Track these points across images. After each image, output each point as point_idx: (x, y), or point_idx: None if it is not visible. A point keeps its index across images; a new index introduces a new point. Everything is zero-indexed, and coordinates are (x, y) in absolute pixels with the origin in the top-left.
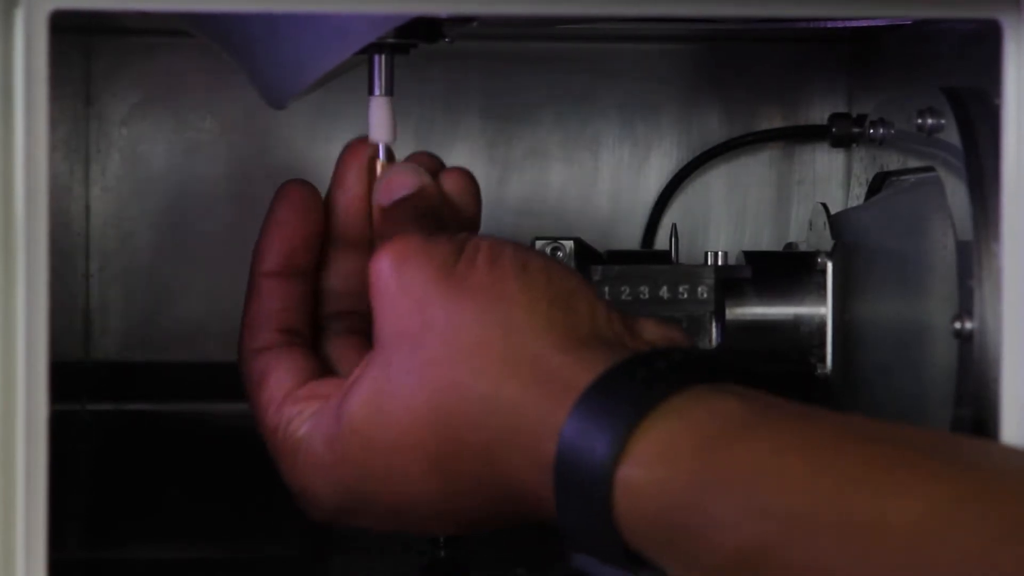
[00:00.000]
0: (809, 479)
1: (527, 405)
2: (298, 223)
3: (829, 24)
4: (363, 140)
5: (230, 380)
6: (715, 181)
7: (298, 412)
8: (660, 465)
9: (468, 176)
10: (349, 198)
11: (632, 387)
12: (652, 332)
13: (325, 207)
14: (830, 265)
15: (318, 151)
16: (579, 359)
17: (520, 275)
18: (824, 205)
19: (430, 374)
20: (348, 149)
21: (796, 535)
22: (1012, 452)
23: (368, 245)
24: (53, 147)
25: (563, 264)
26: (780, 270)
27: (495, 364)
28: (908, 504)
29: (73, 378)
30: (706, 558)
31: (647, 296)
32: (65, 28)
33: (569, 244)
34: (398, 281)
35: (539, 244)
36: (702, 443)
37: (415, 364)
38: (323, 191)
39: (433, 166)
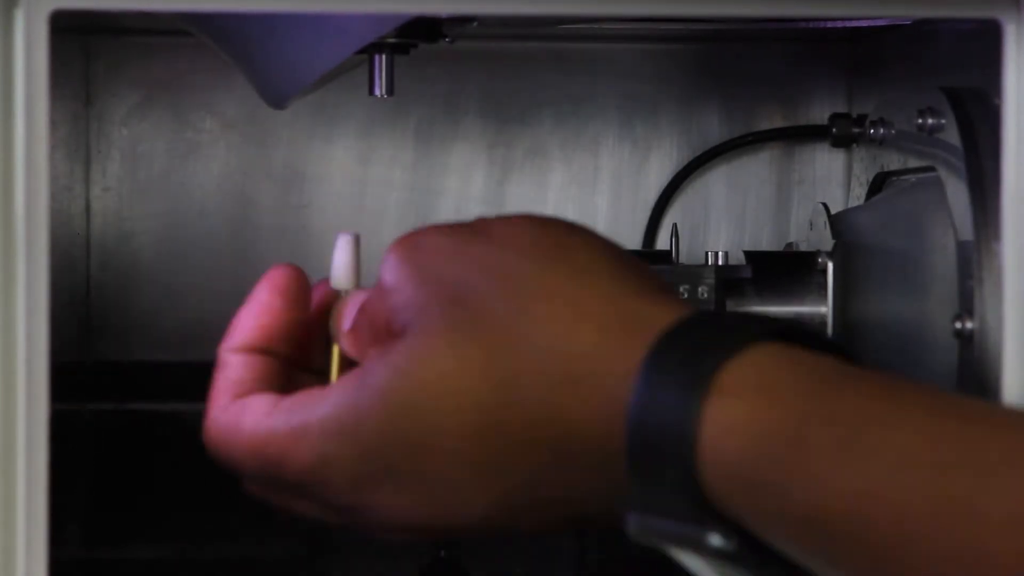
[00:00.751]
0: (927, 419)
1: (600, 348)
2: (280, 308)
3: (829, 24)
4: (326, 282)
5: None
6: (715, 181)
7: (293, 406)
8: (753, 399)
9: None
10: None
11: (720, 329)
12: None
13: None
14: (830, 265)
15: (318, 151)
16: (657, 303)
17: (573, 233)
18: (824, 205)
19: (483, 332)
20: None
21: (916, 477)
22: None
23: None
24: (53, 147)
25: None
26: (780, 270)
27: (563, 310)
28: None
29: (73, 378)
30: (800, 505)
31: None
32: (65, 28)
33: None
34: (421, 255)
35: None
36: (799, 381)
37: (461, 324)
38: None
39: None
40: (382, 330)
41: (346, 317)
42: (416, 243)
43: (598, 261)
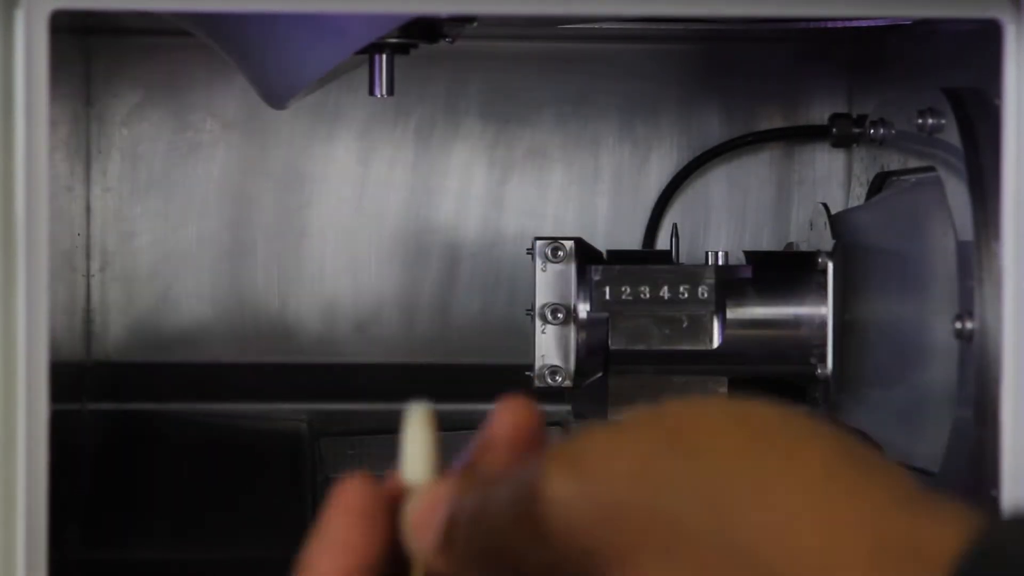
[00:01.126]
0: None
1: None
2: (361, 540)
3: (829, 24)
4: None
5: (230, 380)
6: (715, 181)
7: None
8: None
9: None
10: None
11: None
12: None
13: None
14: (831, 265)
15: (318, 151)
16: (924, 518)
17: (786, 425)
18: (825, 205)
19: None
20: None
21: None
22: None
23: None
24: (54, 147)
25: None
26: (781, 270)
27: (805, 541)
28: None
29: (73, 378)
30: None
31: (648, 296)
32: (65, 28)
33: (569, 244)
34: (599, 486)
35: (539, 244)
36: None
37: None
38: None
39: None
40: (536, 569)
41: (432, 524)
42: (588, 470)
43: (832, 463)
